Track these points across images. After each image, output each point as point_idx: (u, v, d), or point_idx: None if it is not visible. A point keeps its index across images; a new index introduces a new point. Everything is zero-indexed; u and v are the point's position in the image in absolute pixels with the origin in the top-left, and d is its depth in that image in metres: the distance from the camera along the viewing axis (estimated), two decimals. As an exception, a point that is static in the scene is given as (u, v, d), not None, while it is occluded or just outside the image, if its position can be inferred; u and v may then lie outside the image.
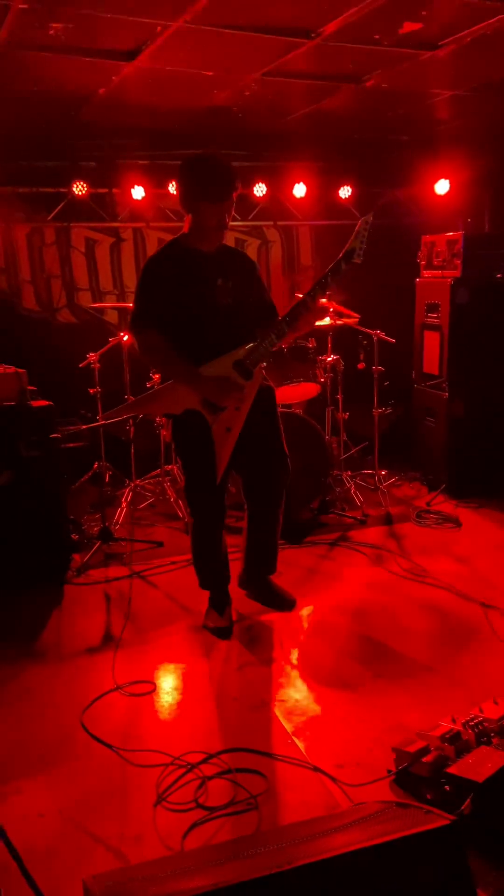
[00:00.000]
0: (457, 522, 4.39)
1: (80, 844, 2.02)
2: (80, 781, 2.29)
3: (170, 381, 2.92)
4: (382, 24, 3.24)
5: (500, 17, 3.16)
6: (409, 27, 3.30)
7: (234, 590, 3.28)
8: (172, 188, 5.36)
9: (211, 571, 3.21)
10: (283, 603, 3.26)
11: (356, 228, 2.86)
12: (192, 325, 2.86)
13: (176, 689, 2.80)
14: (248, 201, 5.66)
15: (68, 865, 1.93)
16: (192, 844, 2.00)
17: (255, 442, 3.01)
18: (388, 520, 4.49)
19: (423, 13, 3.13)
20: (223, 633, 3.14)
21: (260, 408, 2.97)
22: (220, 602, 3.21)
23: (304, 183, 5.60)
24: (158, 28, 3.22)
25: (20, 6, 2.89)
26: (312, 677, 2.85)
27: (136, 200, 5.37)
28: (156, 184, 5.42)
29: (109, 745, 2.43)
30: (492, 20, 3.22)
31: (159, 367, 2.97)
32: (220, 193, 2.79)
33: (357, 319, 4.69)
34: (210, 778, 2.26)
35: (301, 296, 2.90)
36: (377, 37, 3.41)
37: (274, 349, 2.92)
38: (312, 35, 3.35)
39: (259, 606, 3.29)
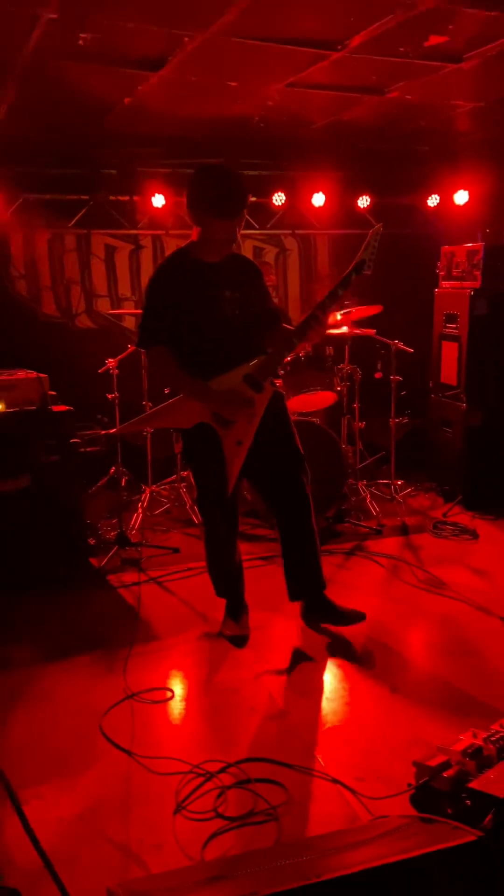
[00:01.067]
0: (474, 534, 4.37)
1: (100, 850, 2.02)
2: (99, 787, 2.29)
3: (179, 395, 2.91)
4: (409, 37, 3.26)
5: (525, 30, 3.18)
6: (434, 40, 3.31)
7: (250, 598, 3.28)
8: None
9: (226, 580, 3.21)
10: (354, 616, 3.14)
11: (367, 239, 2.88)
12: (201, 338, 2.85)
13: (193, 696, 2.80)
14: (266, 210, 5.68)
15: (90, 871, 1.94)
16: (211, 854, 1.99)
17: (270, 448, 2.98)
18: (404, 530, 4.48)
19: (450, 27, 3.14)
20: (239, 641, 3.12)
21: (270, 412, 2.94)
22: (236, 610, 3.20)
23: (323, 192, 5.61)
24: (186, 39, 3.25)
25: (50, 16, 2.92)
26: (330, 688, 2.85)
27: (156, 208, 5.41)
28: (176, 192, 5.44)
29: (128, 752, 2.43)
30: (517, 34, 3.23)
31: (168, 382, 2.96)
32: (232, 210, 2.75)
33: (380, 310, 4.68)
34: (229, 787, 2.26)
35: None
36: (403, 49, 3.42)
37: (285, 361, 2.94)
38: (339, 47, 3.37)
39: (272, 614, 3.29)
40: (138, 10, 2.92)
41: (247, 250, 6.12)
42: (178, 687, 2.86)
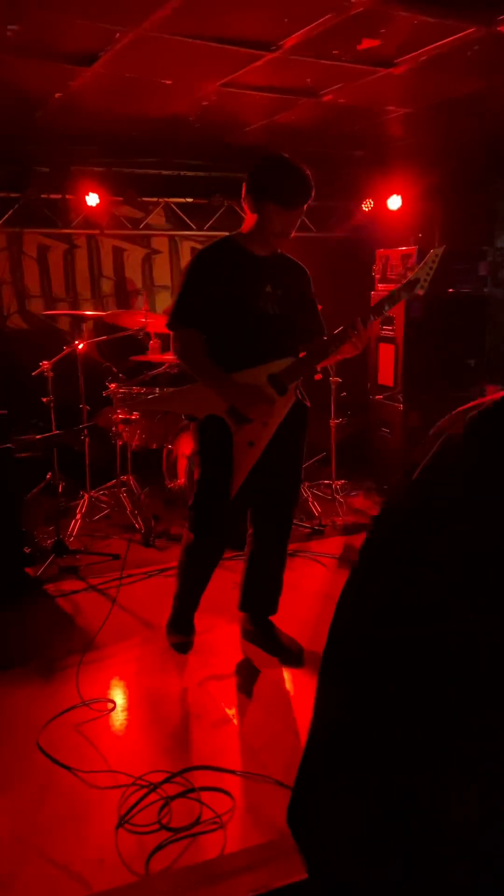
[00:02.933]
0: (413, 532, 4.43)
1: (40, 871, 1.94)
2: (38, 805, 2.20)
3: (197, 382, 2.76)
4: (342, 40, 3.28)
5: (455, 36, 3.24)
6: (367, 43, 3.34)
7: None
8: (137, 197, 5.33)
9: (194, 596, 3.02)
10: (290, 657, 3.00)
11: (426, 259, 2.81)
12: (233, 328, 2.73)
13: (136, 706, 2.73)
14: (205, 211, 5.65)
15: (29, 892, 1.86)
16: (157, 867, 1.94)
17: (277, 464, 2.80)
18: (345, 530, 4.51)
19: (382, 30, 3.17)
20: (184, 646, 3.05)
21: (290, 423, 2.79)
22: (188, 626, 3.07)
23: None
24: (118, 34, 3.18)
25: (-24, 6, 2.82)
26: (275, 690, 2.82)
27: (91, 207, 5.30)
28: (111, 191, 5.36)
29: (68, 767, 2.35)
30: (447, 39, 3.29)
31: (190, 367, 2.76)
32: (295, 201, 2.66)
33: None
34: (173, 798, 2.21)
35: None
36: (336, 52, 3.44)
37: (316, 369, 2.86)
38: (273, 48, 3.36)
39: (217, 617, 3.25)
40: (69, 4, 2.85)
41: (185, 252, 6.08)
42: (120, 697, 2.79)
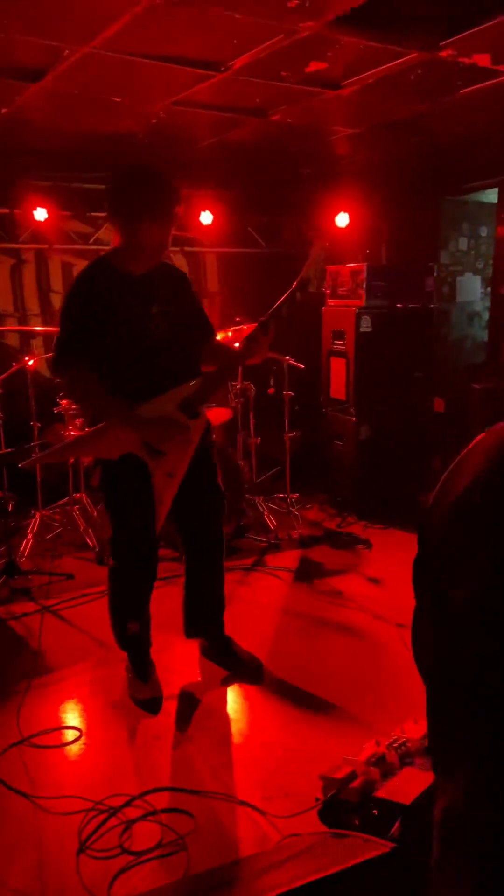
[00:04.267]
0: (367, 543, 4.49)
1: (-3, 905, 1.89)
2: (-6, 836, 2.14)
3: (103, 423, 2.57)
4: (290, 62, 3.34)
5: (399, 60, 3.34)
6: (314, 66, 3.42)
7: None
8: (87, 212, 5.29)
9: (135, 634, 2.83)
10: (249, 673, 2.95)
11: (310, 256, 2.73)
12: (126, 359, 2.56)
13: (93, 729, 2.68)
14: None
15: (-15, 930, 1.80)
16: (120, 891, 1.91)
17: (193, 481, 2.71)
18: (301, 543, 4.53)
19: (329, 53, 3.25)
20: (154, 705, 2.75)
21: (200, 444, 2.71)
22: (143, 668, 2.85)
23: (211, 211, 5.65)
24: (66, 52, 3.18)
25: None
26: (233, 709, 2.82)
27: (39, 222, 5.24)
28: (60, 206, 5.32)
29: (24, 794, 2.29)
30: (392, 63, 3.38)
31: (91, 408, 2.60)
32: (163, 211, 2.52)
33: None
34: (134, 821, 2.17)
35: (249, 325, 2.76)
36: (284, 74, 3.51)
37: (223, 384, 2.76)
38: (222, 68, 3.41)
39: (173, 636, 3.22)
40: (15, 19, 2.83)
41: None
42: (77, 721, 2.74)
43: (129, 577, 2.79)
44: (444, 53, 3.25)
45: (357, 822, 2.04)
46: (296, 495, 5.01)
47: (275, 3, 2.71)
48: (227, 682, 2.98)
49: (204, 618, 3.03)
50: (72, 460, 4.51)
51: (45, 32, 2.97)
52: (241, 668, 3.01)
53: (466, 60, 3.34)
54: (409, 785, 2.04)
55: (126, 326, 2.55)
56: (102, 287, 2.55)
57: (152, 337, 2.59)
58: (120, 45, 3.09)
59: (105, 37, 2.99)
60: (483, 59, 3.34)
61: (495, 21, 2.92)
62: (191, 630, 3.05)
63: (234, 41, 3.10)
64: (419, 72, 3.49)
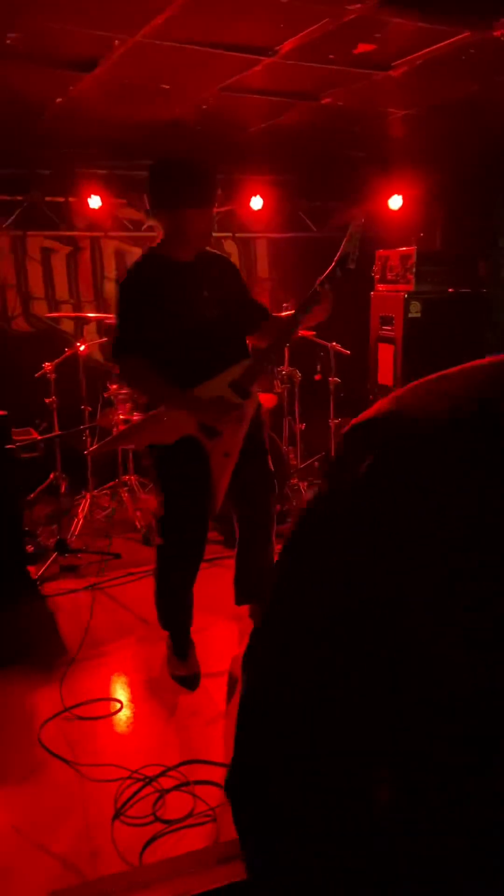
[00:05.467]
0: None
1: (36, 862, 1.99)
2: (35, 798, 2.26)
3: (159, 408, 2.68)
4: (337, 45, 3.31)
5: (449, 40, 3.27)
6: (363, 48, 3.38)
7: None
8: (141, 199, 5.37)
9: (179, 612, 2.94)
10: None
11: (349, 231, 2.73)
12: (180, 344, 2.64)
13: (134, 702, 2.78)
14: (206, 213, 5.69)
15: (26, 882, 1.91)
16: (150, 858, 1.99)
17: (247, 460, 2.78)
18: (344, 529, 4.53)
19: (377, 35, 3.21)
20: (191, 681, 2.86)
21: (252, 423, 2.78)
22: (183, 646, 2.95)
23: (262, 196, 5.66)
24: (116, 42, 3.23)
25: (-24, 15, 2.87)
26: (270, 687, 2.86)
27: (94, 210, 5.36)
28: (114, 193, 5.42)
29: (66, 760, 2.40)
30: (442, 43, 3.32)
31: (147, 394, 2.71)
32: (203, 196, 2.59)
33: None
34: (168, 791, 2.25)
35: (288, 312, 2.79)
36: (332, 56, 3.48)
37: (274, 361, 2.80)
38: (270, 53, 3.40)
39: (213, 615, 3.29)
40: (67, 12, 2.90)
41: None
42: (118, 693, 2.84)
43: (177, 556, 2.87)
44: (497, 33, 3.17)
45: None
46: (341, 481, 5.00)
47: (321, -14, 2.69)
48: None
49: (254, 587, 3.13)
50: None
51: (96, 23, 3.03)
52: None
53: (520, 38, 3.25)
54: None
55: (177, 312, 2.63)
56: (153, 275, 2.64)
57: (203, 320, 2.66)
58: (168, 34, 3.12)
59: (153, 26, 3.02)
60: (537, 37, 3.24)
61: (550, -3, 2.84)
62: (241, 598, 3.14)
63: (281, 25, 3.09)
64: (471, 52, 3.41)
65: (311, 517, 0.68)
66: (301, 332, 4.18)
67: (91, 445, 4.68)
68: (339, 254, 2.73)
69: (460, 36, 3.21)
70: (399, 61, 3.58)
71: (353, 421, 0.68)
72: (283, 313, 4.54)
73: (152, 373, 2.63)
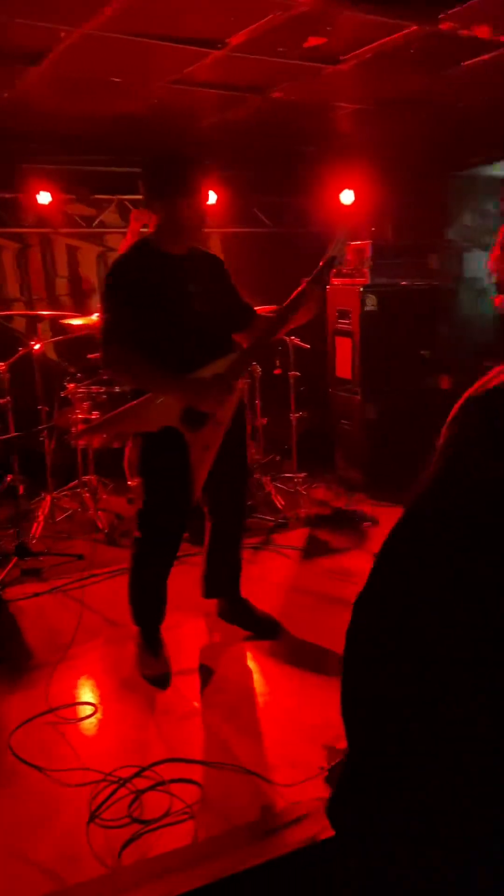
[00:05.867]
0: (374, 521, 4.52)
1: (12, 870, 1.95)
2: (8, 806, 2.21)
3: (146, 395, 2.69)
4: (287, 38, 3.32)
5: (399, 34, 3.30)
6: (313, 41, 3.39)
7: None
8: (90, 195, 5.30)
9: (155, 604, 2.95)
10: (268, 630, 3.13)
11: (336, 237, 2.82)
12: (168, 336, 2.68)
13: (105, 704, 2.75)
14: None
15: (5, 892, 1.87)
16: (129, 860, 1.97)
17: (225, 455, 2.82)
18: (308, 521, 4.56)
19: (328, 28, 3.22)
20: (161, 680, 2.83)
21: (233, 421, 2.83)
22: (154, 642, 2.95)
23: (215, 191, 5.62)
24: (63, 34, 3.17)
25: None
26: (242, 681, 2.87)
27: (43, 206, 5.26)
28: (63, 189, 5.33)
29: (38, 767, 2.36)
30: (390, 37, 3.35)
31: (134, 379, 2.73)
32: (193, 184, 2.66)
33: (274, 308, 4.74)
34: (143, 791, 2.23)
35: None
36: (282, 49, 3.48)
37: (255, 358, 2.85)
38: (219, 45, 3.39)
39: (182, 613, 3.27)
40: (11, 3, 2.83)
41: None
42: (89, 696, 2.80)
43: (155, 549, 2.89)
44: (443, 26, 3.21)
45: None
46: (303, 475, 5.04)
47: (270, -21, 2.69)
48: (236, 655, 3.03)
49: (224, 580, 3.18)
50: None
51: (42, 15, 2.97)
52: (259, 626, 3.15)
53: (466, 33, 3.30)
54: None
55: (165, 303, 2.67)
56: (143, 265, 2.68)
57: (190, 314, 2.69)
58: (116, 26, 3.08)
59: (102, 17, 2.98)
60: (483, 31, 3.30)
61: (495, -9, 2.89)
62: (210, 591, 3.19)
63: (232, 18, 3.08)
64: (419, 45, 3.45)
65: (442, 484, 0.71)
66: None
67: (49, 445, 4.60)
68: (326, 256, 2.78)
69: (408, 29, 3.25)
70: (348, 55, 3.61)
71: (468, 394, 0.73)
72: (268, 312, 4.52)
73: (139, 359, 2.64)
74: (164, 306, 2.67)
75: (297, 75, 3.88)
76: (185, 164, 2.68)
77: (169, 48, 3.38)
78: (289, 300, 2.74)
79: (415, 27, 3.23)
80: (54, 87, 3.93)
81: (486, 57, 3.67)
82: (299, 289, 2.73)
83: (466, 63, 3.77)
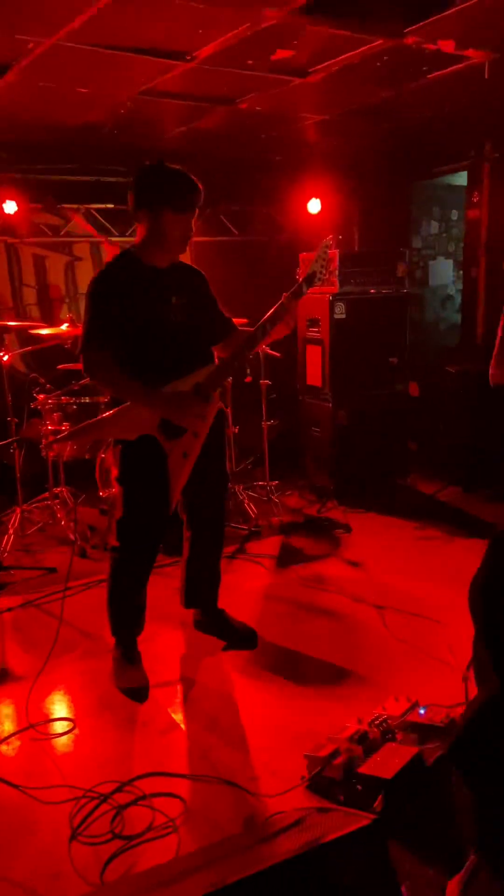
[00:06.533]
0: (346, 528, 4.56)
1: (-7, 894, 1.92)
2: (-14, 827, 2.18)
3: (125, 403, 2.71)
4: (256, 51, 3.35)
5: (366, 47, 3.36)
6: (281, 54, 3.43)
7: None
8: (55, 204, 5.26)
9: (134, 613, 2.95)
10: (245, 640, 3.15)
11: (316, 251, 2.82)
12: (147, 346, 2.71)
13: (83, 719, 2.72)
14: (125, 217, 5.63)
15: (-18, 918, 1.84)
16: (113, 876, 1.95)
17: (204, 465, 2.85)
18: (281, 529, 4.59)
19: (295, 42, 3.26)
20: (139, 693, 2.81)
21: (212, 430, 2.84)
22: (131, 653, 2.94)
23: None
24: (31, 45, 3.16)
25: None
26: (221, 692, 2.86)
27: (9, 215, 5.21)
28: (29, 198, 5.28)
29: (16, 786, 2.32)
30: (358, 50, 3.41)
31: (113, 389, 2.75)
32: (188, 202, 2.65)
33: (245, 322, 4.77)
34: (125, 807, 2.21)
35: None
36: (250, 62, 3.51)
37: (237, 370, 2.87)
38: (188, 57, 3.41)
39: (159, 625, 3.26)
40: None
41: (107, 257, 6.04)
42: (66, 711, 2.77)
43: (133, 558, 2.88)
44: (409, 40, 3.28)
45: (342, 798, 2.11)
46: (275, 483, 5.06)
47: (239, -7, 2.72)
48: (213, 665, 3.02)
49: (203, 590, 3.19)
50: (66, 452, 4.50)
51: (11, 26, 2.95)
52: (236, 636, 3.16)
53: (431, 46, 3.37)
54: (390, 760, 2.10)
55: (147, 314, 2.70)
56: (126, 275, 2.70)
57: (171, 325, 2.73)
58: (85, 37, 3.09)
59: (71, 29, 2.98)
60: (447, 46, 3.38)
61: (459, 7, 2.96)
62: (189, 601, 3.20)
63: (200, 31, 3.11)
64: (385, 58, 3.52)
65: None
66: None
67: (19, 457, 4.55)
68: (306, 272, 2.80)
69: (374, 43, 3.31)
70: (316, 67, 3.66)
71: None
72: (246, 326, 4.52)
73: (118, 368, 2.66)
74: (145, 316, 2.69)
75: (264, 87, 3.92)
76: (176, 176, 2.67)
77: (137, 60, 3.39)
78: (268, 314, 2.75)
79: (381, 41, 3.29)
80: (20, 97, 3.91)
81: (449, 70, 3.75)
82: (279, 303, 2.74)
83: (431, 76, 3.85)
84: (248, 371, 4.93)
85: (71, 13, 2.83)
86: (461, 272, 6.29)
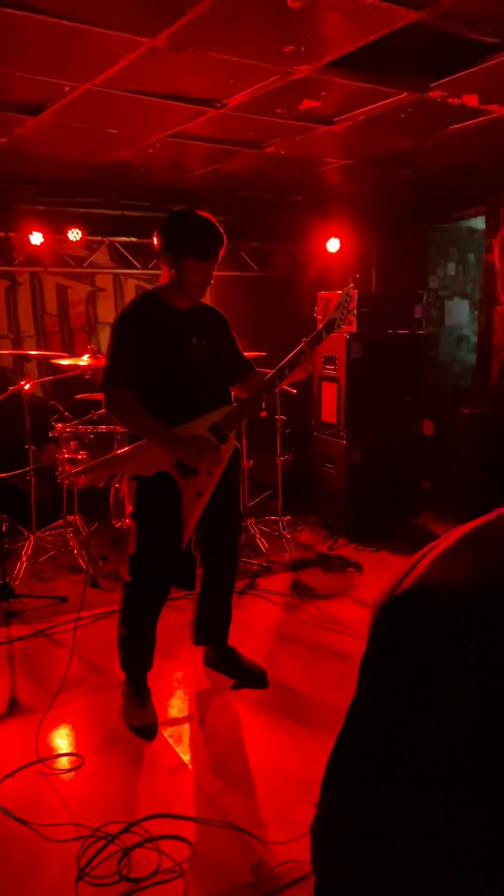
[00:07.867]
0: (358, 566, 4.55)
1: (-2, 934, 1.91)
2: (-7, 864, 2.17)
3: (142, 440, 2.75)
4: (284, 100, 3.45)
5: (391, 99, 3.45)
6: (308, 104, 3.52)
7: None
8: (73, 234, 5.37)
9: (144, 650, 2.95)
10: (254, 679, 3.16)
11: (337, 299, 2.89)
12: (166, 384, 2.76)
13: (91, 756, 2.71)
14: (149, 250, 5.73)
15: None
16: (118, 922, 1.94)
17: (219, 503, 2.89)
18: (292, 566, 4.59)
19: (323, 93, 3.35)
20: (148, 731, 2.82)
21: (227, 468, 2.88)
22: (141, 691, 2.94)
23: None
24: (66, 88, 3.27)
25: None
26: (230, 733, 2.85)
27: (34, 245, 5.33)
28: (54, 230, 5.40)
29: (24, 822, 2.32)
30: (382, 102, 3.50)
31: (132, 426, 2.80)
32: (209, 251, 2.71)
33: (263, 354, 4.82)
34: (132, 848, 2.20)
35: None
36: (279, 111, 3.61)
37: (253, 411, 2.92)
38: (218, 105, 3.50)
39: (169, 661, 3.26)
40: (20, 59, 2.92)
41: (129, 290, 6.15)
42: (75, 747, 2.76)
43: (146, 594, 2.89)
44: (433, 94, 3.37)
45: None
46: (287, 518, 5.07)
47: (272, 49, 2.81)
48: (222, 704, 3.01)
49: (214, 627, 3.20)
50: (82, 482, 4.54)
51: (50, 71, 3.06)
52: (247, 675, 3.17)
53: (455, 101, 3.46)
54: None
55: (168, 354, 2.76)
56: (149, 316, 2.77)
57: (191, 365, 2.79)
58: (120, 84, 3.18)
59: (106, 76, 3.08)
60: (471, 100, 3.46)
61: (484, 65, 3.04)
62: (200, 638, 3.21)
63: (231, 81, 3.20)
64: (409, 110, 3.61)
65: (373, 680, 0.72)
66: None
67: (32, 485, 4.58)
68: (327, 318, 2.88)
69: (399, 96, 3.40)
70: (341, 117, 3.75)
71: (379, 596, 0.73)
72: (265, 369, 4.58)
73: (138, 405, 2.70)
74: (166, 356, 2.75)
75: (291, 133, 4.01)
76: (201, 225, 2.73)
77: (168, 105, 3.48)
78: (287, 358, 2.82)
79: (405, 94, 3.37)
80: (52, 135, 4.02)
81: (472, 122, 3.84)
82: (298, 348, 2.81)
83: (453, 127, 3.94)
84: (264, 406, 4.97)
85: (108, 61, 2.93)
86: (477, 313, 6.35)
